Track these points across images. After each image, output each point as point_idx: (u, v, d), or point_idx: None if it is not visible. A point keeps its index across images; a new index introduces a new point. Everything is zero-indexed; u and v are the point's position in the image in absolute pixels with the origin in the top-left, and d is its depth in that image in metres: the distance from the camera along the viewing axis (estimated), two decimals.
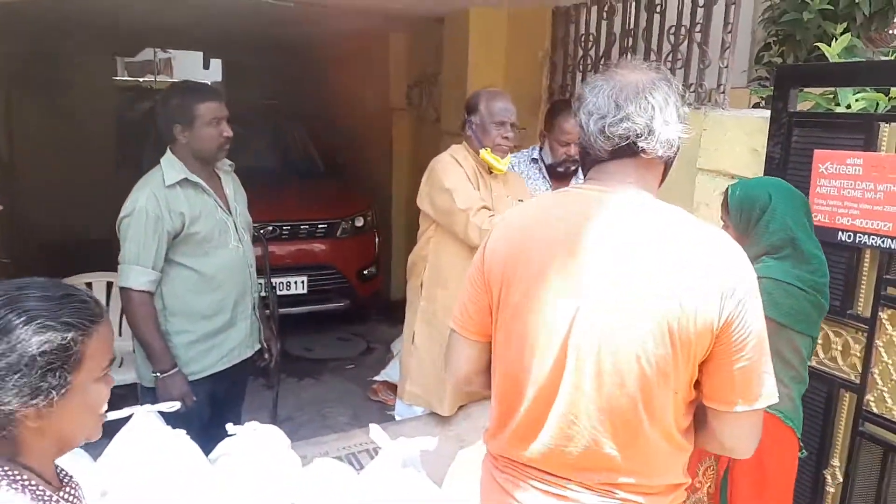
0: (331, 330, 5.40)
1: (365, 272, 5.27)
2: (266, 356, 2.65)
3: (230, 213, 2.42)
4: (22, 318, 1.00)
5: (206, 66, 9.41)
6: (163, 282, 2.26)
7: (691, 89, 3.31)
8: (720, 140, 2.88)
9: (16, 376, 0.98)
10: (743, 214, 2.05)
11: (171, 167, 2.27)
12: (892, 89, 2.64)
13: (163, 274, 2.25)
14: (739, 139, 2.79)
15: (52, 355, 1.00)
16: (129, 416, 1.91)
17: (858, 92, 2.53)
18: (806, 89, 2.53)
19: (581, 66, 4.02)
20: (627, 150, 1.30)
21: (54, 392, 1.00)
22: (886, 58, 3.16)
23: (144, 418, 1.98)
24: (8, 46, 5.68)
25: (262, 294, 4.39)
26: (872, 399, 2.26)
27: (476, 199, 2.51)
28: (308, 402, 4.28)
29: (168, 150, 2.32)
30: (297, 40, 6.65)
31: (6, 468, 1.02)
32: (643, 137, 1.29)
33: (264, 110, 6.95)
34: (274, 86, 8.36)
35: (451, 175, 2.56)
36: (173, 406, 1.98)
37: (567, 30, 4.09)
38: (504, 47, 4.47)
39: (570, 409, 1.26)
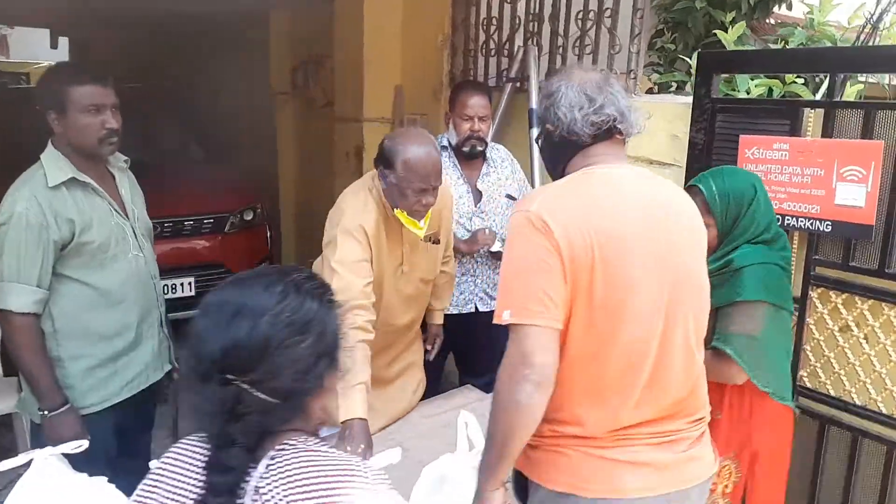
0: None
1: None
2: (175, 376, 2.34)
3: (127, 217, 2.10)
4: (315, 301, 1.07)
5: (54, 44, 8.44)
6: (51, 300, 1.91)
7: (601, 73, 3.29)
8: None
9: (330, 355, 1.08)
10: (731, 213, 1.99)
11: (54, 165, 1.92)
12: (788, 77, 2.73)
13: (50, 291, 1.90)
14: (659, 125, 2.79)
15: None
16: (29, 462, 1.62)
17: (754, 78, 2.60)
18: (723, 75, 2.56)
19: (483, 51, 3.92)
20: (606, 133, 1.50)
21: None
22: (776, 46, 3.30)
23: (46, 463, 1.67)
24: None
25: None
26: (806, 374, 2.33)
27: (355, 290, 2.08)
28: None
29: (49, 144, 1.97)
30: (165, 17, 6.08)
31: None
32: (619, 121, 1.51)
33: (127, 95, 6.31)
34: (138, 68, 7.65)
35: (344, 250, 2.11)
36: (79, 446, 1.68)
37: (468, 13, 3.96)
38: (401, 30, 4.29)
39: (673, 367, 1.43)
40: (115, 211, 2.05)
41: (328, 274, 2.14)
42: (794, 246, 2.32)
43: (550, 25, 3.49)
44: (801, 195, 2.25)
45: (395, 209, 2.18)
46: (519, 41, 3.67)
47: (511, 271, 1.40)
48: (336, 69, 4.62)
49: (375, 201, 2.22)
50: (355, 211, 2.18)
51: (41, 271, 1.85)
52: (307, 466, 1.02)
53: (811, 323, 2.29)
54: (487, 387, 2.89)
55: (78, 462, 1.75)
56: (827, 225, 2.19)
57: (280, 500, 0.99)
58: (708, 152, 2.52)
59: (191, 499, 1.03)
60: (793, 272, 2.33)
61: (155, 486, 1.07)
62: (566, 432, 1.43)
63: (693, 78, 2.71)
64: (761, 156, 2.34)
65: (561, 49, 3.46)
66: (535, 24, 3.57)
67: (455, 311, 2.86)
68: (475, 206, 2.93)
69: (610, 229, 1.37)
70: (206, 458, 1.04)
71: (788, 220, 2.28)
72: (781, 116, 2.30)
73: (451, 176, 2.92)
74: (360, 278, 2.13)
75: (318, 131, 5.27)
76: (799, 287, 2.31)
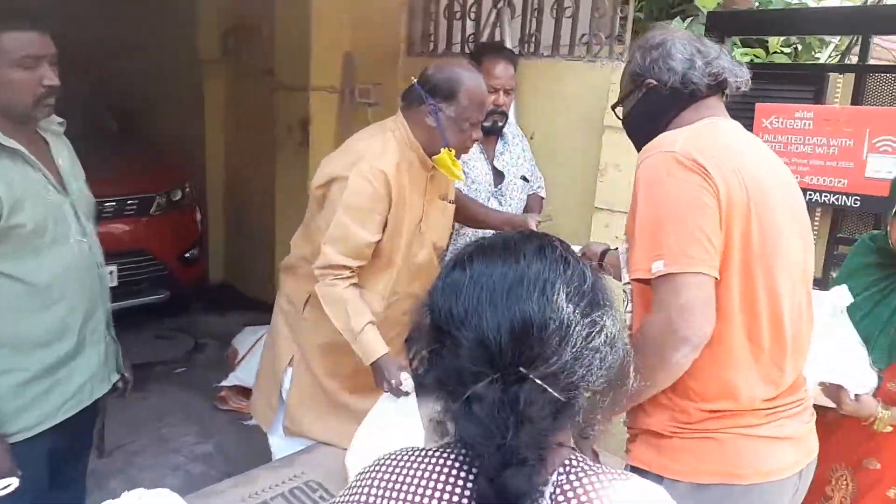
0: (146, 327, 4.51)
1: (187, 255, 4.45)
2: (119, 385, 1.94)
3: (67, 192, 1.68)
4: (591, 272, 0.83)
5: None
6: None
7: (582, 40, 3.06)
8: None
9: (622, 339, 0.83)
10: None
11: None
12: (772, 44, 2.58)
13: None
14: None
15: None
16: None
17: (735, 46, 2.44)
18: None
19: (446, 14, 3.60)
20: (717, 87, 1.44)
21: None
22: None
23: None
24: None
25: None
26: None
27: (351, 245, 1.88)
28: (140, 421, 3.46)
29: None
30: None
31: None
32: (731, 74, 1.44)
33: None
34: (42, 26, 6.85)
35: (358, 197, 1.87)
36: (7, 486, 1.30)
37: None
38: None
39: (805, 328, 1.36)
40: (52, 186, 1.63)
41: (329, 216, 1.90)
42: (817, 223, 2.16)
43: None
44: (825, 168, 2.08)
45: (440, 150, 1.92)
46: (487, 4, 3.38)
47: (659, 216, 1.24)
48: (277, 33, 4.19)
49: (399, 144, 1.96)
50: (374, 153, 1.91)
51: None
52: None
53: None
54: None
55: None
56: (855, 200, 2.04)
57: None
58: None
59: None
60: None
61: None
62: (717, 408, 1.28)
63: None
64: (781, 125, 2.16)
65: (536, 13, 3.19)
66: None
67: None
68: (495, 188, 2.61)
69: (757, 177, 1.29)
70: (472, 486, 0.78)
71: (811, 194, 2.12)
72: (804, 83, 2.13)
73: (472, 151, 2.58)
74: (368, 233, 1.90)
75: (253, 102, 4.81)
76: (820, 267, 2.15)
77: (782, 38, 2.84)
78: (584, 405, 0.80)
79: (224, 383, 3.61)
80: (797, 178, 2.09)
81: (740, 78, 1.45)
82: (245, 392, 3.59)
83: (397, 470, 0.83)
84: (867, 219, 2.06)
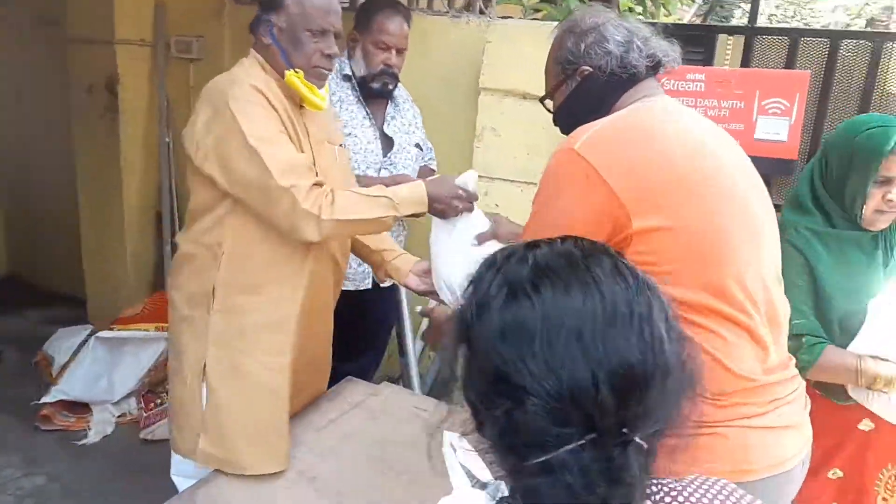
0: None
1: None
2: None
3: None
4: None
5: None
6: None
7: None
8: (510, 55, 2.54)
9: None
10: None
11: None
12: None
13: None
14: (536, 53, 2.47)
15: None
16: None
17: None
18: None
19: None
20: (654, 67, 1.42)
21: None
22: None
23: None
24: None
25: None
26: None
27: (302, 163, 1.61)
28: None
29: None
30: None
31: None
32: (665, 54, 1.42)
33: None
34: None
35: (258, 121, 1.58)
36: None
37: None
38: None
39: (770, 301, 1.30)
40: None
41: (252, 165, 1.54)
42: None
43: None
44: None
45: (286, 72, 1.65)
46: None
47: (538, 219, 1.32)
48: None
49: (259, 71, 1.69)
50: (238, 77, 1.64)
51: None
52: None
53: None
54: (363, 373, 2.41)
55: None
56: None
57: None
58: None
59: None
60: None
61: None
62: (720, 392, 1.22)
63: None
64: (672, 87, 2.17)
65: None
66: None
67: (351, 287, 2.29)
68: (384, 156, 2.34)
69: (693, 154, 1.25)
70: None
71: None
72: (695, 43, 2.14)
73: (356, 115, 2.30)
74: (298, 154, 1.62)
75: (31, 58, 4.00)
76: None
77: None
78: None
79: (45, 399, 3.02)
80: None
81: (674, 56, 1.43)
82: (73, 406, 3.05)
83: None
84: None
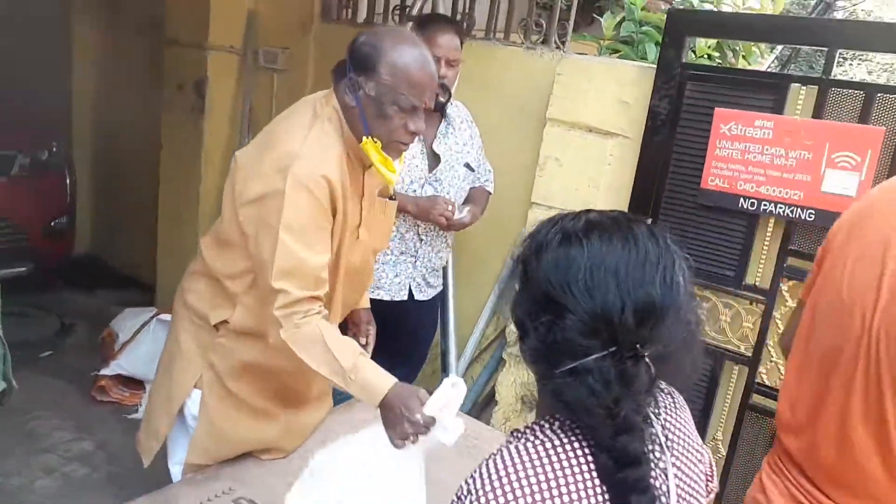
0: (5, 305, 3.91)
1: (53, 224, 3.90)
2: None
3: None
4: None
5: None
6: None
7: (521, 24, 2.92)
8: (580, 89, 2.56)
9: None
10: None
11: None
12: (700, 46, 2.59)
13: None
14: (606, 89, 2.50)
15: None
16: None
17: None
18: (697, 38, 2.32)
19: None
20: None
21: None
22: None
23: None
24: None
25: None
26: (765, 371, 2.21)
27: (308, 269, 1.51)
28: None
29: None
30: None
31: None
32: None
33: None
34: None
35: (301, 214, 1.49)
36: None
37: None
38: None
39: None
40: None
41: (266, 243, 1.49)
42: (769, 233, 2.17)
43: None
44: (782, 179, 2.09)
45: (364, 138, 1.55)
46: None
47: None
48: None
49: (336, 132, 1.58)
50: (313, 150, 1.52)
51: None
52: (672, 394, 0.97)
53: (778, 317, 2.17)
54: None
55: None
56: (810, 213, 2.06)
57: (679, 438, 0.91)
58: (672, 124, 2.29)
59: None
60: (763, 261, 2.20)
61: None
62: None
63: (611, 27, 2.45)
64: (739, 132, 2.14)
65: None
66: None
67: (387, 298, 2.35)
68: (430, 173, 2.37)
69: None
70: (591, 460, 0.81)
71: (765, 205, 2.12)
72: (766, 91, 2.11)
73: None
74: (318, 255, 1.53)
75: (134, 56, 4.27)
76: (768, 279, 2.17)
77: (712, 42, 2.86)
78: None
79: (104, 371, 3.19)
80: (752, 187, 2.12)
81: None
82: (129, 382, 3.21)
83: (530, 464, 0.81)
84: (821, 233, 2.09)
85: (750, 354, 2.22)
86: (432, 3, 3.06)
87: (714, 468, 1.00)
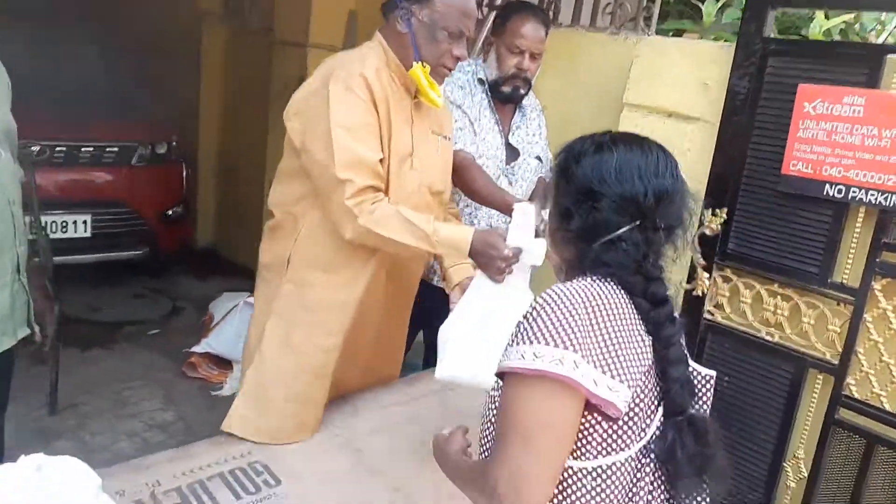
0: (124, 285, 4.29)
1: (169, 213, 4.20)
2: (38, 338, 1.71)
3: None
4: None
5: None
6: None
7: (606, 10, 2.80)
8: (658, 71, 2.41)
9: None
10: None
11: None
12: (815, 28, 2.33)
13: None
14: (685, 70, 2.33)
15: None
16: None
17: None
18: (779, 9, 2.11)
19: None
20: None
21: None
22: None
23: None
24: None
25: (30, 237, 3.29)
26: (854, 382, 1.94)
27: (369, 162, 1.62)
28: (99, 381, 3.24)
29: None
30: None
31: None
32: None
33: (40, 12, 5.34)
34: None
35: (348, 110, 1.61)
36: None
37: None
38: None
39: None
40: None
41: (321, 148, 1.60)
42: (859, 224, 1.91)
43: None
44: (875, 162, 1.84)
45: (414, 64, 1.69)
46: None
47: None
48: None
49: (376, 54, 1.73)
50: (351, 59, 1.69)
51: None
52: None
53: (869, 320, 1.90)
54: None
55: None
56: None
57: None
58: (752, 104, 2.08)
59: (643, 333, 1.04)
60: (852, 255, 1.94)
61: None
62: None
63: (712, 13, 2.26)
64: (826, 111, 1.91)
65: None
66: None
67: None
68: (507, 165, 2.32)
69: None
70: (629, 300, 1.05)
71: (854, 191, 1.87)
72: (857, 64, 1.87)
73: (486, 119, 2.28)
74: (371, 151, 1.63)
75: (252, 60, 4.54)
76: (858, 276, 1.91)
77: (827, 24, 2.59)
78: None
79: (195, 349, 3.38)
80: (839, 171, 1.88)
81: None
82: (216, 360, 3.37)
83: (593, 294, 1.01)
84: None
85: (836, 362, 1.96)
86: None
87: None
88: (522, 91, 2.30)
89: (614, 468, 0.99)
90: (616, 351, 0.98)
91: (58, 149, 3.62)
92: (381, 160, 1.66)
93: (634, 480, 1.01)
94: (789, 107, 1.98)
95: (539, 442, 0.94)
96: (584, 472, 0.98)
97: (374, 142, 1.65)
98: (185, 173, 4.33)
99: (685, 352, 1.08)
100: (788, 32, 2.82)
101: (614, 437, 0.99)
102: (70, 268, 3.73)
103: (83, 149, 3.71)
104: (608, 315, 0.99)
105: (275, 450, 1.78)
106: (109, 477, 1.57)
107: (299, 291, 1.76)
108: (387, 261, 1.79)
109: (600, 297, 1.00)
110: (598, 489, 0.98)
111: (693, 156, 2.33)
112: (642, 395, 1.00)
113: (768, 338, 2.10)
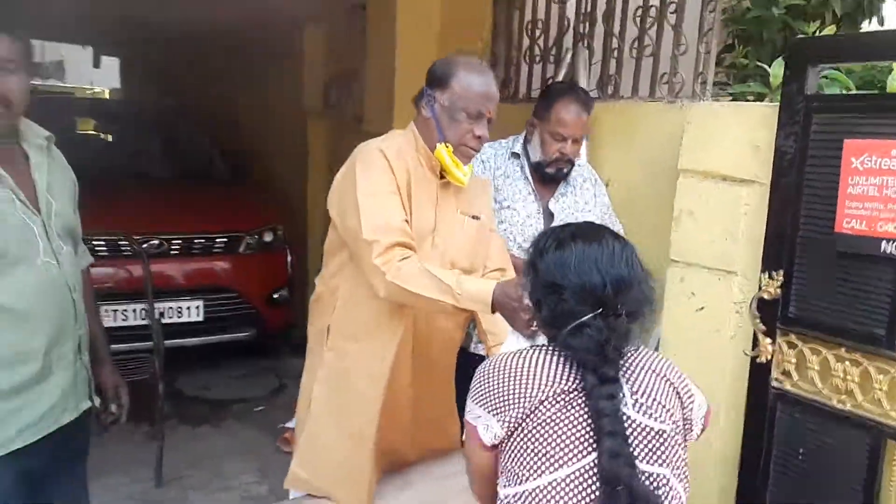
0: (234, 365, 4.62)
1: (275, 296, 4.52)
2: (114, 409, 1.90)
3: (38, 212, 1.63)
4: None
5: (97, 64, 8.40)
6: None
7: (663, 81, 2.83)
8: (710, 136, 2.39)
9: None
10: None
11: None
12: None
13: None
14: (736, 134, 2.30)
15: None
16: None
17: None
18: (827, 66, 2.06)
19: (527, 58, 3.50)
20: None
21: None
22: None
23: None
24: None
25: (142, 322, 3.67)
26: None
27: (394, 224, 1.73)
28: (204, 456, 3.50)
29: None
30: (202, 32, 5.88)
31: None
32: None
33: (160, 111, 6.12)
34: (174, 85, 7.48)
35: (370, 182, 1.75)
36: None
37: (510, 15, 3.58)
38: (437, 36, 3.89)
39: None
40: (20, 202, 1.58)
41: (352, 218, 1.73)
42: None
43: (604, 26, 3.06)
44: None
45: (438, 145, 1.83)
46: (568, 45, 3.24)
47: None
48: (367, 82, 4.26)
49: (408, 142, 1.88)
50: (374, 142, 1.85)
51: None
52: (647, 351, 1.31)
53: None
54: None
55: None
56: None
57: (641, 368, 1.26)
58: (800, 163, 2.02)
59: (568, 385, 1.21)
60: None
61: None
62: None
63: (779, 76, 2.23)
64: (874, 165, 1.82)
65: (616, 52, 3.01)
66: (587, 24, 3.14)
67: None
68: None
69: None
70: (584, 382, 1.20)
71: None
72: None
73: (520, 190, 2.41)
74: (397, 214, 1.75)
75: (348, 148, 4.89)
76: None
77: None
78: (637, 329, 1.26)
79: (288, 424, 3.57)
80: (891, 226, 1.77)
81: None
82: None
83: (521, 359, 1.25)
84: None
85: None
86: (575, 70, 3.10)
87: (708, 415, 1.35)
88: (566, 171, 2.41)
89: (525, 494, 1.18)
90: (504, 398, 1.22)
91: (173, 241, 4.04)
92: (406, 220, 1.77)
93: None
94: (837, 163, 1.91)
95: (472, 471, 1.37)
96: (509, 497, 1.21)
97: (397, 205, 1.76)
98: (289, 259, 4.66)
99: (622, 427, 1.17)
100: (869, 88, 2.73)
101: (517, 468, 1.20)
102: (186, 350, 4.10)
103: (196, 240, 4.13)
104: (513, 370, 1.23)
105: None
106: None
107: (338, 360, 1.89)
108: (417, 332, 1.88)
109: (513, 360, 1.25)
110: None
111: (749, 219, 2.26)
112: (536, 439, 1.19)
113: (840, 406, 1.96)
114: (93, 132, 6.07)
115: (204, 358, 4.48)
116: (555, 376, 1.20)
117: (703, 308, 2.41)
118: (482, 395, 1.24)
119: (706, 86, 2.67)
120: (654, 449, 1.20)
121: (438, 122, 1.83)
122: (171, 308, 3.97)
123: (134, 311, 3.86)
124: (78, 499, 1.85)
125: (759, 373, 2.14)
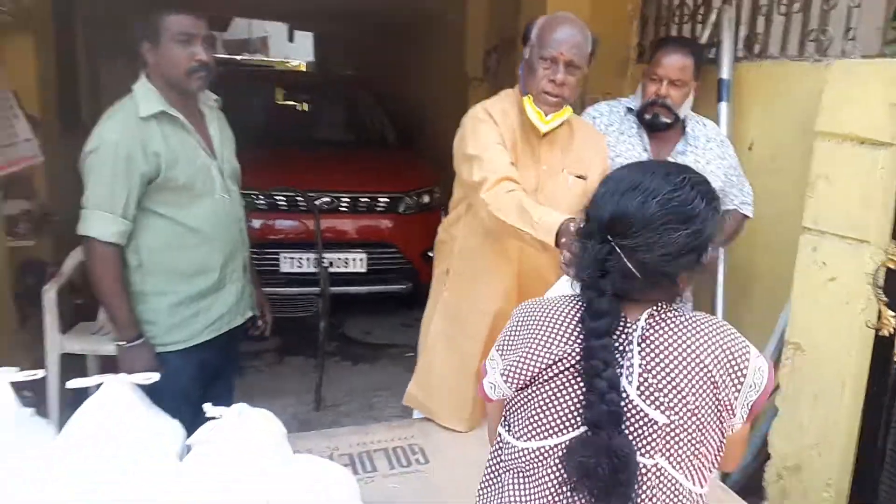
0: (393, 314, 5.04)
1: (430, 254, 4.85)
2: (260, 323, 2.32)
3: (214, 157, 2.04)
4: (703, 201, 1.14)
5: (291, 38, 9.28)
6: (136, 234, 1.90)
7: (811, 37, 2.70)
8: (848, 95, 2.28)
9: (699, 253, 1.14)
10: None
11: (146, 97, 1.89)
12: None
13: (138, 226, 1.90)
14: (876, 92, 2.18)
15: None
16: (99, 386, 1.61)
17: None
18: None
19: (677, 19, 3.44)
20: None
21: None
22: None
23: (115, 388, 1.65)
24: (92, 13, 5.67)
25: (313, 270, 4.17)
26: None
27: (499, 166, 1.82)
28: (358, 389, 3.95)
29: (143, 76, 1.95)
30: (380, 4, 6.33)
31: None
32: None
33: (340, 81, 6.70)
34: (353, 57, 8.10)
35: (478, 137, 1.89)
36: (149, 378, 1.64)
37: None
38: (589, 4, 3.94)
39: None
40: (203, 149, 1.99)
41: (465, 170, 1.90)
42: None
43: None
44: None
45: (522, 98, 1.92)
46: (717, 4, 3.16)
47: None
48: (519, 50, 4.39)
49: (511, 102, 2.00)
50: (485, 102, 2.01)
51: (126, 202, 1.84)
52: (696, 320, 1.17)
53: None
54: None
55: (159, 402, 1.73)
56: None
57: (668, 341, 1.14)
58: None
59: (575, 348, 1.15)
60: None
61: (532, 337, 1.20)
62: None
63: None
64: None
65: (765, 10, 2.90)
66: None
67: None
68: None
69: None
70: (580, 311, 1.17)
71: None
72: None
73: (634, 146, 2.42)
74: (502, 156, 1.85)
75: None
76: None
77: None
78: (657, 281, 1.14)
79: None
80: None
81: None
82: None
83: (544, 313, 1.22)
84: None
85: None
86: (720, 29, 3.02)
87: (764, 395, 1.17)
88: (662, 118, 2.36)
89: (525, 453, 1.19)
90: (516, 348, 1.22)
91: (342, 199, 4.50)
92: (513, 164, 1.87)
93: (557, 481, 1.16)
94: None
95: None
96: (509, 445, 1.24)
97: (504, 153, 1.86)
98: (443, 218, 4.97)
99: (612, 373, 1.10)
100: None
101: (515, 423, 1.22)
102: (350, 297, 4.59)
103: (361, 199, 4.57)
104: (533, 323, 1.21)
105: (434, 438, 2.14)
106: (305, 439, 2.08)
107: (455, 299, 2.13)
108: (521, 273, 2.04)
109: (539, 311, 1.23)
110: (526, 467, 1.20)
111: (886, 184, 2.15)
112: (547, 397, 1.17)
113: None
114: (291, 102, 6.78)
115: (368, 307, 4.95)
116: (565, 337, 1.16)
117: (833, 279, 2.33)
118: (502, 341, 1.26)
119: (855, 42, 2.52)
120: (645, 437, 1.12)
121: (523, 76, 1.95)
122: (338, 259, 4.44)
123: (308, 259, 4.39)
124: (230, 389, 2.29)
125: (880, 348, 2.06)
